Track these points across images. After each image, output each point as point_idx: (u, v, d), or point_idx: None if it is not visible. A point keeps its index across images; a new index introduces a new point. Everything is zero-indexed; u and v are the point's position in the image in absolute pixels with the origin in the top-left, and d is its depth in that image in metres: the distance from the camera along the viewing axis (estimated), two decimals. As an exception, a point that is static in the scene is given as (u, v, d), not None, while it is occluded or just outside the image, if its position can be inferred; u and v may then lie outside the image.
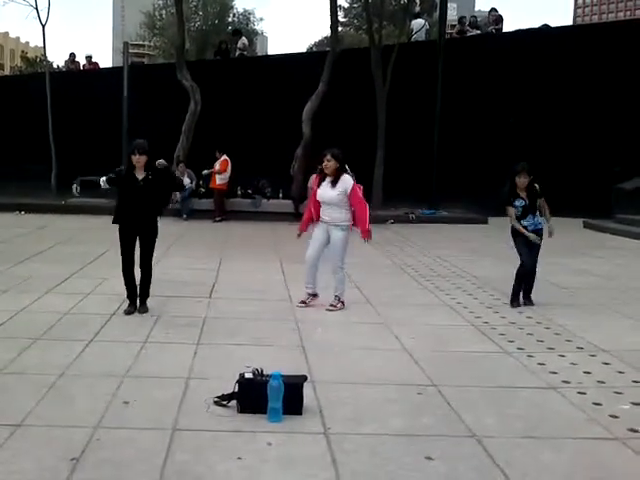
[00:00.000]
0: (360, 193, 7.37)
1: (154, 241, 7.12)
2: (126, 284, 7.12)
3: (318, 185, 7.34)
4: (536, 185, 7.63)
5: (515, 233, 7.76)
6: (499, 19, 21.09)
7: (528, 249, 7.67)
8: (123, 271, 7.09)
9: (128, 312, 7.04)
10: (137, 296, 7.17)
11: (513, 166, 7.73)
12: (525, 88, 17.70)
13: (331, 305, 7.43)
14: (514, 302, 7.67)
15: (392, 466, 3.78)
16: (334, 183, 7.22)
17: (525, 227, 7.64)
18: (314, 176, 7.51)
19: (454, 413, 4.52)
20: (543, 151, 16.15)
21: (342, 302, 7.44)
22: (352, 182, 7.26)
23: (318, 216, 7.43)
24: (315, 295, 7.57)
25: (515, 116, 17.60)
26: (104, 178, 7.07)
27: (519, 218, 7.65)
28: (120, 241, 7.06)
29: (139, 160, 6.81)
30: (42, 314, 6.73)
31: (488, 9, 22.50)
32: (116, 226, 7.04)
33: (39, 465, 3.65)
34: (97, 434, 4.03)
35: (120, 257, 7.09)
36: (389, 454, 3.92)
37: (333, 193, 7.22)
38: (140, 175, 6.88)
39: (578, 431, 4.29)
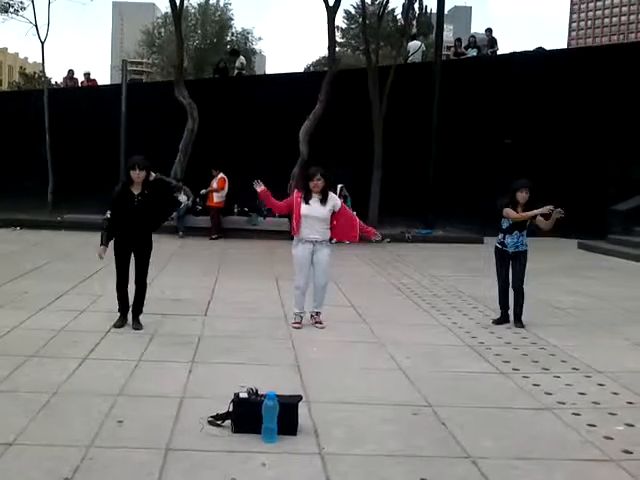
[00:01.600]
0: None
1: (149, 256, 7.13)
2: (119, 299, 7.14)
3: (304, 202, 7.34)
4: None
5: (494, 251, 7.82)
6: (493, 42, 21.32)
7: (504, 269, 7.71)
8: (117, 286, 7.12)
9: (118, 325, 7.05)
10: (128, 311, 7.18)
11: (515, 181, 7.69)
12: (521, 110, 17.82)
13: (319, 322, 7.48)
14: (498, 320, 7.74)
15: (387, 487, 3.76)
16: (323, 201, 7.30)
17: (504, 244, 7.65)
18: (296, 193, 7.52)
19: (449, 434, 4.51)
20: (538, 172, 16.23)
21: None
22: (338, 200, 7.52)
23: (297, 231, 7.40)
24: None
25: (511, 137, 17.72)
26: (108, 213, 6.98)
27: (504, 232, 7.66)
28: (115, 256, 7.07)
29: (139, 176, 6.83)
30: (36, 331, 6.71)
31: (483, 32, 22.77)
32: (112, 242, 7.03)
33: (31, 484, 3.63)
34: (90, 453, 4.00)
35: (115, 272, 7.10)
36: (384, 475, 3.90)
37: (324, 210, 7.30)
38: (137, 191, 6.89)
39: (573, 452, 4.29)
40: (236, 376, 5.42)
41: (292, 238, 7.62)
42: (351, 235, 7.62)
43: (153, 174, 7.09)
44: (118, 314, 7.19)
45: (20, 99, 22.55)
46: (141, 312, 7.19)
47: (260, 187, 7.46)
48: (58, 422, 4.46)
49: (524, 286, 7.74)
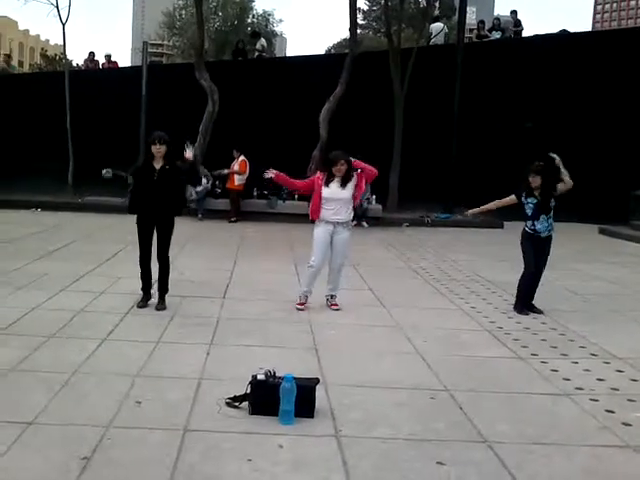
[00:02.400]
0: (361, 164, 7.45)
1: (171, 232, 7.19)
2: (142, 276, 7.24)
3: (325, 185, 7.33)
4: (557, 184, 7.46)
5: (524, 237, 7.66)
6: (517, 23, 21.09)
7: (535, 255, 7.56)
8: (140, 262, 7.21)
9: (141, 305, 7.15)
10: (151, 289, 7.27)
11: (528, 165, 7.61)
12: (543, 93, 17.61)
13: (335, 305, 7.50)
14: (517, 307, 7.62)
15: (403, 470, 3.77)
16: (344, 184, 7.29)
17: (536, 230, 7.52)
18: (318, 174, 7.50)
19: (466, 418, 4.50)
20: (560, 156, 16.04)
21: None
22: (355, 175, 7.38)
23: (318, 213, 7.40)
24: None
25: (533, 120, 17.51)
26: (129, 178, 7.18)
27: (531, 219, 7.55)
28: (138, 232, 7.17)
29: (159, 150, 6.89)
30: (56, 312, 6.77)
31: (507, 13, 22.54)
32: (132, 224, 7.09)
33: (50, 463, 3.68)
34: (108, 433, 4.05)
35: (138, 249, 7.21)
36: (400, 458, 3.91)
37: (345, 193, 7.30)
38: (157, 165, 6.96)
39: (590, 438, 4.27)
40: (254, 358, 5.45)
41: (312, 221, 7.61)
42: (370, 174, 7.44)
43: (190, 153, 7.09)
44: (140, 294, 7.27)
45: (41, 81, 22.64)
46: (167, 290, 7.27)
47: (271, 174, 7.45)
48: (77, 402, 4.52)
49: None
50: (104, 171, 7.32)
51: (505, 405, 4.77)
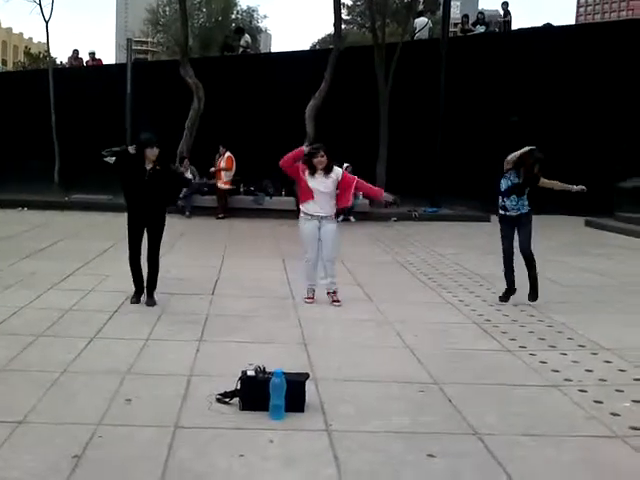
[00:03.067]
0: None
1: (161, 232, 7.24)
2: (133, 273, 7.27)
3: (310, 175, 7.34)
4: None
5: (499, 220, 7.80)
6: (506, 13, 21.16)
7: (507, 233, 7.67)
8: (130, 260, 7.23)
9: (134, 301, 7.20)
10: (143, 284, 7.29)
11: (535, 151, 7.53)
12: (527, 87, 17.69)
13: (336, 301, 7.51)
14: (504, 297, 7.70)
15: (394, 463, 3.79)
16: (327, 174, 7.33)
17: (505, 208, 7.60)
18: (301, 165, 7.50)
19: (456, 411, 4.53)
20: (545, 149, 16.09)
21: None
22: (340, 170, 7.51)
23: (305, 198, 7.42)
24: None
25: (518, 114, 17.58)
26: (110, 157, 7.11)
27: (502, 195, 7.61)
28: (128, 231, 7.19)
29: (154, 153, 6.93)
30: (45, 311, 6.74)
31: (491, 8, 22.66)
32: (119, 222, 7.09)
33: (41, 462, 3.66)
34: (99, 431, 4.04)
35: (127, 248, 7.23)
36: (391, 451, 3.92)
37: (328, 182, 7.33)
38: (148, 166, 6.99)
39: (579, 429, 4.30)
40: (243, 354, 5.45)
41: (299, 216, 7.60)
42: (344, 201, 7.52)
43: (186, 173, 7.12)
44: (128, 292, 7.31)
45: (25, 79, 22.49)
46: (155, 287, 7.30)
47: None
48: (67, 400, 4.50)
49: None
50: (107, 156, 7.22)
51: (494, 397, 4.80)
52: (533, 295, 7.63)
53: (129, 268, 7.27)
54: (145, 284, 7.29)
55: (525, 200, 7.62)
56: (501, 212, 7.75)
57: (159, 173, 7.02)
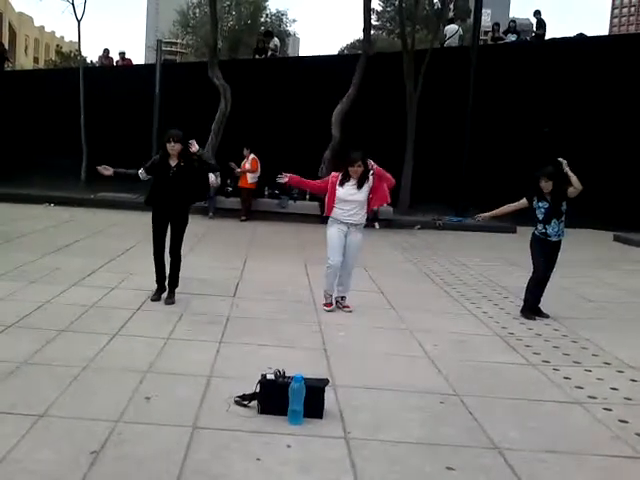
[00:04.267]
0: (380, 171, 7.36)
1: (184, 229, 7.31)
2: (156, 268, 7.34)
3: (340, 185, 7.30)
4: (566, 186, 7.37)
5: (533, 240, 7.62)
6: (540, 23, 20.91)
7: (544, 259, 7.51)
8: (154, 255, 7.30)
9: (154, 299, 7.27)
10: (165, 281, 7.35)
11: (538, 170, 7.50)
12: (559, 97, 17.52)
13: (346, 306, 7.50)
14: (524, 312, 7.57)
15: (412, 474, 3.74)
16: (360, 186, 7.25)
17: (547, 234, 7.48)
18: (334, 173, 7.45)
19: (476, 424, 4.47)
20: (575, 162, 15.96)
21: None
22: (371, 177, 7.28)
23: (331, 211, 7.36)
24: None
25: (550, 125, 17.41)
26: (142, 170, 7.24)
27: (543, 222, 7.49)
28: (152, 226, 7.28)
29: (174, 148, 7.01)
30: (68, 306, 6.79)
31: (522, 16, 22.48)
32: (143, 221, 7.13)
33: (59, 456, 3.68)
34: (118, 428, 4.04)
35: (151, 244, 7.30)
36: (409, 462, 3.88)
37: (360, 195, 7.26)
38: (173, 162, 7.08)
39: (602, 448, 4.22)
40: (263, 357, 5.44)
41: (323, 221, 7.59)
42: (382, 198, 7.44)
43: (196, 147, 7.15)
44: (151, 290, 7.37)
45: (56, 77, 22.76)
46: (177, 285, 7.37)
47: (284, 179, 7.40)
48: (88, 396, 4.51)
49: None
50: (142, 176, 7.32)
51: (516, 412, 4.73)
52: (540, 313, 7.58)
53: (153, 265, 7.31)
54: (167, 281, 7.35)
55: (563, 223, 7.50)
56: (540, 235, 7.54)
57: (183, 169, 7.08)
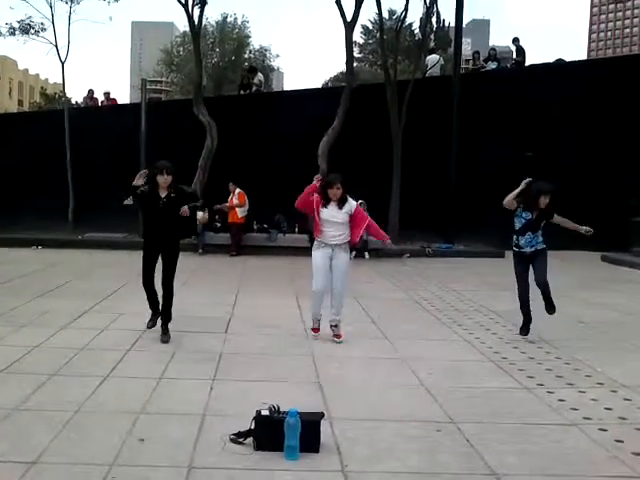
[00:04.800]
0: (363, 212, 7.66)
1: (176, 260, 7.31)
2: (147, 295, 7.34)
3: (322, 206, 7.36)
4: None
5: (513, 257, 7.75)
6: (519, 51, 21.23)
7: (522, 271, 7.62)
8: (144, 283, 7.31)
9: (150, 326, 7.30)
10: (159, 306, 7.35)
11: (539, 182, 7.56)
12: (541, 121, 17.74)
13: (337, 335, 7.48)
14: (524, 330, 7.65)
15: (411, 506, 3.71)
16: (340, 206, 7.36)
17: (520, 246, 7.57)
18: (315, 195, 7.51)
19: (474, 451, 4.45)
20: (560, 185, 16.09)
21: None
22: (355, 204, 7.53)
23: (319, 232, 7.42)
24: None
25: (531, 149, 17.59)
26: (128, 199, 7.37)
27: (517, 233, 7.58)
28: (143, 257, 7.28)
29: (166, 180, 7.07)
30: (58, 350, 6.73)
31: (502, 43, 22.77)
32: (132, 260, 7.14)
33: (54, 504, 3.62)
34: (113, 472, 3.99)
35: (141, 274, 7.32)
36: (408, 493, 3.85)
37: (340, 214, 7.35)
38: (163, 193, 7.12)
39: (600, 469, 4.20)
40: (257, 393, 5.40)
41: (312, 251, 7.61)
42: (353, 237, 7.50)
43: (187, 213, 7.14)
44: (142, 330, 7.36)
45: (41, 119, 22.82)
46: (170, 319, 7.34)
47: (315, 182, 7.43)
48: (81, 440, 4.46)
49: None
50: (126, 201, 7.40)
51: (513, 436, 4.71)
52: (551, 309, 7.64)
53: (145, 306, 7.31)
54: (160, 316, 7.33)
55: (540, 237, 7.58)
56: (515, 249, 7.71)
57: (174, 200, 7.11)
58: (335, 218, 7.34)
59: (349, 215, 7.40)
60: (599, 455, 4.42)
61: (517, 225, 7.59)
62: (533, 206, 7.48)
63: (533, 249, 7.57)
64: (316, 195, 7.46)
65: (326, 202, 7.37)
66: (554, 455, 4.40)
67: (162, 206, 7.10)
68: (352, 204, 7.47)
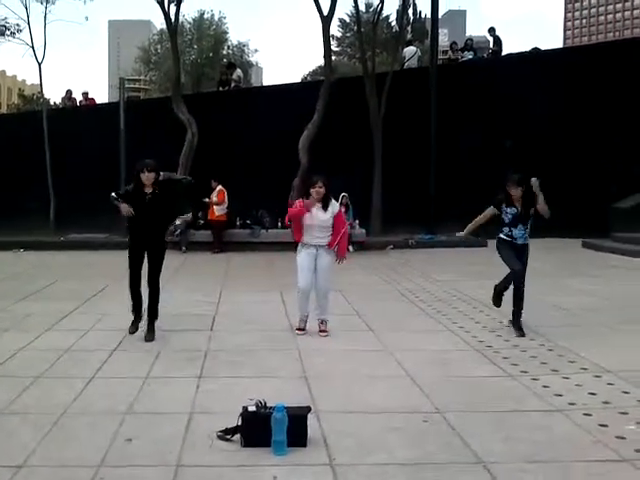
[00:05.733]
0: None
1: (162, 258, 7.33)
2: (132, 298, 7.33)
3: (307, 211, 7.38)
4: (535, 192, 7.39)
5: (500, 243, 7.64)
6: (496, 40, 21.31)
7: (515, 255, 7.51)
8: (130, 285, 7.30)
9: (132, 331, 7.29)
10: (142, 311, 7.35)
11: (507, 175, 7.57)
12: (519, 110, 17.82)
13: (324, 331, 7.52)
14: (516, 326, 7.51)
15: (399, 496, 3.74)
16: (325, 207, 7.38)
17: (513, 237, 7.52)
18: (298, 201, 7.55)
19: (460, 440, 4.48)
20: (540, 172, 16.19)
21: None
22: (337, 205, 7.65)
23: (300, 235, 7.48)
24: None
25: (511, 137, 17.68)
26: (113, 194, 7.31)
27: (509, 226, 7.53)
28: (129, 256, 7.27)
29: (148, 177, 7.07)
30: (42, 352, 6.69)
31: (478, 34, 22.86)
32: (114, 261, 7.12)
33: (42, 507, 3.61)
34: (100, 473, 3.99)
35: (127, 279, 7.31)
36: (396, 484, 3.87)
37: (326, 216, 7.39)
38: (148, 190, 7.13)
39: (585, 454, 4.25)
40: (244, 389, 5.40)
41: (296, 247, 7.65)
42: (340, 250, 7.55)
43: (162, 173, 7.23)
44: (126, 331, 7.33)
45: (19, 121, 22.63)
46: (156, 317, 7.34)
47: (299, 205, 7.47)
48: (67, 442, 4.45)
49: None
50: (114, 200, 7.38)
51: (499, 424, 4.75)
52: (519, 331, 7.41)
53: (128, 305, 7.28)
54: (146, 314, 7.33)
55: (529, 229, 7.58)
56: (506, 238, 7.57)
57: (158, 197, 7.13)
58: (319, 221, 7.38)
59: (332, 217, 7.44)
60: (584, 440, 4.47)
61: (506, 220, 7.53)
62: (510, 200, 7.49)
63: (525, 242, 7.57)
64: (298, 201, 7.51)
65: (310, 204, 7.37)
66: (540, 441, 4.44)
67: (148, 202, 7.10)
68: (335, 206, 7.56)
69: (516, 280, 7.53)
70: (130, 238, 7.35)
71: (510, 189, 7.42)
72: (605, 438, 4.46)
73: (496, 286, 7.64)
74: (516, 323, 7.50)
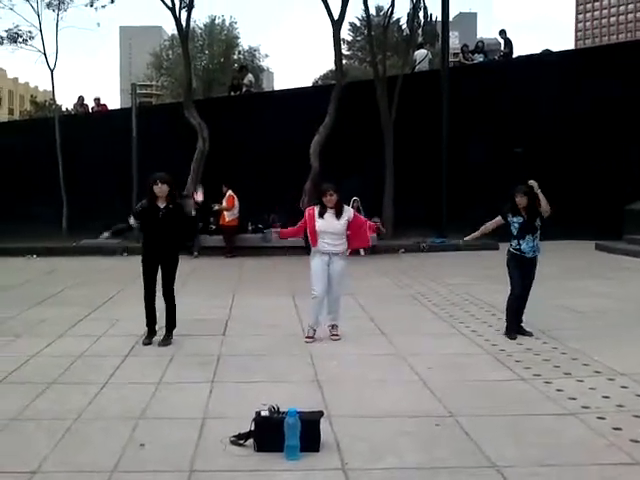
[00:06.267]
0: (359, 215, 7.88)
1: (175, 270, 7.37)
2: (146, 312, 7.36)
3: (319, 216, 7.41)
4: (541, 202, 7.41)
5: (509, 258, 7.65)
6: (507, 42, 21.24)
7: (521, 277, 7.52)
8: (145, 298, 7.32)
9: (146, 343, 7.26)
10: (155, 325, 7.38)
11: (513, 187, 7.61)
12: (532, 112, 17.75)
13: (335, 334, 7.52)
14: (508, 333, 7.49)
15: (412, 501, 3.73)
16: (338, 215, 7.38)
17: (521, 251, 7.51)
18: (309, 209, 7.57)
19: (473, 444, 4.47)
20: (553, 175, 16.09)
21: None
22: (351, 210, 7.67)
23: (315, 242, 7.47)
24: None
25: (523, 141, 17.61)
26: (132, 219, 7.36)
27: (517, 238, 7.54)
28: (142, 269, 7.31)
29: (161, 189, 7.08)
30: (56, 358, 6.73)
31: (489, 36, 22.79)
32: (127, 266, 7.14)
33: (56, 512, 3.63)
34: (114, 478, 4.01)
35: (142, 288, 7.32)
36: (408, 488, 3.86)
37: (339, 224, 7.40)
38: (161, 204, 7.14)
39: (599, 457, 4.23)
40: (257, 394, 5.41)
41: (308, 252, 7.67)
42: (363, 241, 7.78)
43: (179, 200, 7.27)
44: (139, 335, 7.37)
45: (32, 128, 22.76)
46: (174, 326, 7.41)
47: (274, 235, 7.59)
48: (81, 448, 4.47)
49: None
50: (104, 235, 7.51)
51: (512, 428, 4.74)
52: (527, 332, 7.51)
53: (141, 310, 7.34)
54: (165, 322, 7.38)
55: (538, 239, 7.55)
56: (516, 253, 7.57)
57: (172, 211, 7.16)
58: (333, 228, 7.39)
59: (347, 224, 7.45)
60: (598, 443, 4.45)
61: (514, 231, 7.53)
62: (516, 209, 7.50)
63: (535, 255, 7.54)
64: (309, 209, 7.54)
65: (322, 211, 7.40)
66: (553, 445, 4.42)
67: (161, 217, 7.13)
68: (349, 211, 7.58)
69: (515, 303, 7.58)
70: (143, 252, 7.37)
71: (516, 198, 7.44)
72: (619, 441, 4.43)
73: (507, 321, 7.66)
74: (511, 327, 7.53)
